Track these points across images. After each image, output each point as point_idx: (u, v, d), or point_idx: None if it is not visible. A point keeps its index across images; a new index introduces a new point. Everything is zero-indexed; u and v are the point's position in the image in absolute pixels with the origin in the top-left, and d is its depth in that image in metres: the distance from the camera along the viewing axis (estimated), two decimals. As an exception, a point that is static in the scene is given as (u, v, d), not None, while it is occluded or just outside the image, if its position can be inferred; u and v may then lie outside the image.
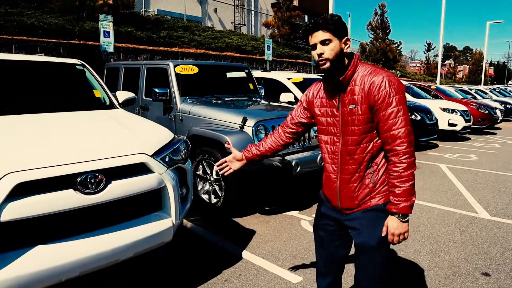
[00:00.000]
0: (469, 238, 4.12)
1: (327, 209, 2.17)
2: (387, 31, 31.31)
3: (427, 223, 4.53)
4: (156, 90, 5.05)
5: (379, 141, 1.92)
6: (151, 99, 5.38)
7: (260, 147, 2.35)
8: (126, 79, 6.27)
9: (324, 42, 1.85)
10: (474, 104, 13.46)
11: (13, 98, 3.54)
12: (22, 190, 2.15)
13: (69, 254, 2.26)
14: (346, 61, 1.92)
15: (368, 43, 31.73)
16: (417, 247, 3.85)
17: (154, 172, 2.71)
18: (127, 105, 4.18)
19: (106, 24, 8.37)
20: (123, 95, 4.20)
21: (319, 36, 1.86)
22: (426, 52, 43.27)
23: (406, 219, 1.88)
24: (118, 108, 3.99)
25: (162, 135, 3.15)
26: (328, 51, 1.85)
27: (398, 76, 27.91)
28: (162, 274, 3.23)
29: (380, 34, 31.00)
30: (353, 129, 1.92)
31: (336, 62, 1.87)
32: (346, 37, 1.89)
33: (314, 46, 1.89)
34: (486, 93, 20.37)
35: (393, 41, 31.77)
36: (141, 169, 2.67)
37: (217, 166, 2.45)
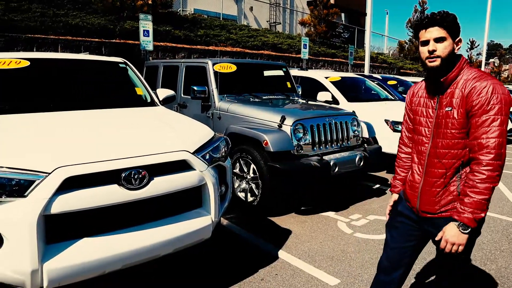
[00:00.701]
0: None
1: (404, 209, 2.15)
2: (427, 28, 30.28)
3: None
4: (195, 88, 5.11)
5: None
6: (189, 97, 5.45)
7: (400, 176, 2.28)
8: (165, 77, 6.38)
9: (438, 40, 1.81)
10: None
11: (61, 95, 3.68)
12: (70, 184, 2.22)
13: (113, 247, 2.32)
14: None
15: (407, 41, 30.83)
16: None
17: (195, 169, 2.74)
18: (167, 102, 4.25)
19: (146, 23, 8.56)
20: (163, 92, 4.27)
21: (433, 32, 1.81)
22: (468, 50, 41.53)
23: (467, 231, 1.79)
24: (159, 105, 4.06)
25: (203, 132, 3.18)
26: (441, 49, 1.81)
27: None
28: (199, 271, 3.26)
29: (420, 32, 30.02)
30: (446, 132, 1.88)
31: (446, 61, 1.83)
32: (459, 38, 1.85)
33: (426, 42, 1.84)
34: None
35: (434, 39, 30.68)
36: (182, 166, 2.70)
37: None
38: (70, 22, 9.98)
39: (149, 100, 4.12)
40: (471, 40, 41.21)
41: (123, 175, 2.38)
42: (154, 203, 2.56)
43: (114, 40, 10.44)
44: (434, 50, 1.81)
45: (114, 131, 2.91)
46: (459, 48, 1.86)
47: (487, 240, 4.03)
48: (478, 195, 1.76)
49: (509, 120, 7.61)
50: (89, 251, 2.25)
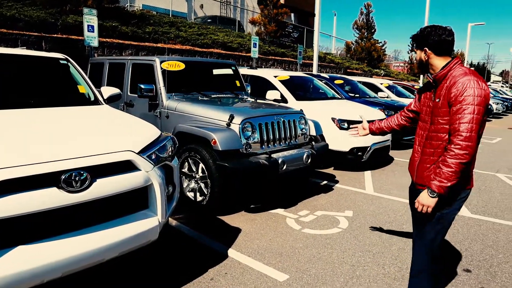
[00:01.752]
0: (451, 235, 4.19)
1: (412, 184, 2.63)
2: (372, 30, 31.55)
3: (410, 220, 4.57)
4: (142, 86, 4.98)
5: None
6: (136, 95, 5.31)
7: (381, 124, 2.95)
8: (111, 74, 6.17)
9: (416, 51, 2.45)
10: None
11: (-6, 93, 3.44)
12: (4, 188, 2.09)
13: (51, 254, 2.21)
14: (443, 64, 2.31)
15: (353, 42, 31.95)
16: (401, 245, 3.90)
17: (140, 170, 2.68)
18: (112, 101, 4.10)
19: (90, 18, 8.21)
20: (108, 91, 4.12)
21: None
22: (409, 52, 43.74)
23: (434, 195, 2.21)
24: (103, 104, 3.92)
25: (148, 132, 3.11)
26: (416, 58, 2.46)
27: (382, 75, 28.22)
28: (147, 273, 3.19)
29: (365, 34, 31.22)
30: (435, 119, 2.30)
31: (419, 66, 2.43)
32: (424, 48, 2.35)
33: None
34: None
35: (378, 40, 32.02)
36: (127, 166, 2.63)
37: (351, 129, 3.14)
38: (5, 13, 9.35)
39: (92, 98, 3.96)
40: (412, 43, 43.29)
41: (63, 177, 2.28)
42: (97, 206, 2.46)
43: (55, 35, 9.93)
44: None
45: (53, 131, 2.77)
46: (426, 56, 2.36)
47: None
48: (447, 168, 2.14)
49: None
50: (24, 260, 2.12)
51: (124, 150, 2.63)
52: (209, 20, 20.15)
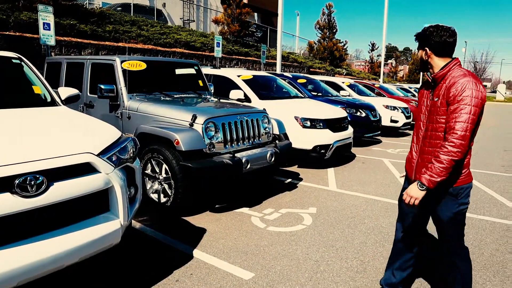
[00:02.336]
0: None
1: (407, 184, 2.63)
2: (334, 30, 32.23)
3: (372, 215, 4.75)
4: (102, 86, 4.86)
5: None
6: (96, 96, 5.17)
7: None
8: (69, 75, 5.97)
9: (418, 49, 2.49)
10: (413, 101, 14.24)
11: None
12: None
13: (5, 263, 2.11)
14: (443, 64, 2.36)
15: (316, 42, 32.49)
16: (363, 239, 4.02)
17: (100, 172, 2.62)
18: (70, 102, 3.98)
19: (46, 16, 7.90)
20: (66, 91, 3.99)
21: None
22: (370, 51, 45.09)
23: (423, 188, 2.30)
24: (60, 105, 3.79)
25: (108, 133, 3.04)
26: (418, 56, 2.52)
27: (344, 74, 28.87)
28: (111, 277, 3.12)
29: (327, 33, 31.84)
30: (433, 118, 2.37)
31: (421, 64, 2.49)
32: (425, 48, 2.41)
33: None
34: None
35: (340, 40, 32.76)
36: (86, 169, 2.56)
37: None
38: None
39: (49, 99, 3.82)
40: (372, 42, 44.69)
41: (17, 181, 2.19)
42: (54, 211, 2.38)
43: (7, 32, 9.48)
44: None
45: (5, 133, 2.65)
46: (427, 57, 2.41)
47: (385, 224, 4.43)
48: (439, 163, 2.23)
49: (403, 114, 8.33)
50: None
51: (83, 152, 2.56)
52: (119, 8, 17.80)
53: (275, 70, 15.42)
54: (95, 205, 2.66)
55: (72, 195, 2.41)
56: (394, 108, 12.04)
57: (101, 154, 2.68)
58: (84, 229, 2.50)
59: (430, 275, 3.29)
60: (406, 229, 2.74)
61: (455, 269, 2.57)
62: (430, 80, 2.44)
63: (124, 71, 5.16)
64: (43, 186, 2.27)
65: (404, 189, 2.67)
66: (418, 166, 2.47)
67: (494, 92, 55.13)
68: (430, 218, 2.65)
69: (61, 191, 2.35)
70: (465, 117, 2.16)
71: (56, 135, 2.78)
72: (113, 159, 2.78)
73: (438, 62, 2.38)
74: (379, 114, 10.28)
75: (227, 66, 16.24)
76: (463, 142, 2.18)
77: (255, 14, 27.40)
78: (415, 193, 2.34)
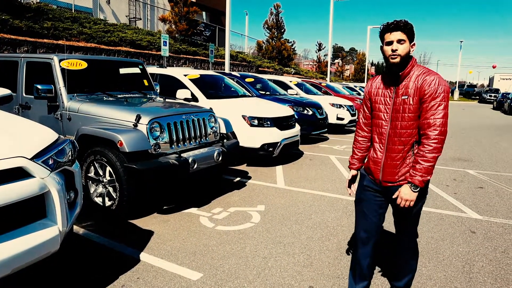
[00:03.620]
0: (354, 221, 4.54)
1: (369, 182, 2.60)
2: (282, 30, 32.74)
3: (318, 210, 4.88)
4: (39, 86, 4.60)
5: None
6: (32, 97, 4.89)
7: (358, 154, 2.74)
8: (1, 73, 5.60)
9: (400, 41, 2.27)
10: (358, 99, 14.81)
11: None
12: None
13: None
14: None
15: (264, 41, 32.83)
16: (309, 234, 4.13)
17: (34, 177, 2.48)
18: (1, 103, 3.73)
19: (-25, 11, 7.36)
20: (-4, 92, 3.74)
21: (397, 35, 2.28)
22: (317, 51, 46.29)
23: (416, 190, 2.31)
24: (-10, 106, 3.55)
25: (43, 135, 2.89)
26: (402, 49, 2.28)
27: (292, 73, 29.42)
28: (51, 286, 2.98)
29: (275, 33, 32.28)
30: (403, 116, 2.35)
31: (404, 59, 2.30)
32: (413, 42, 2.33)
33: (390, 43, 2.30)
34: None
35: (288, 40, 33.36)
36: (19, 174, 2.42)
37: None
38: None
39: (-23, 100, 3.57)
40: (319, 42, 45.87)
41: None
42: (-17, 219, 2.24)
43: None
44: (396, 49, 2.28)
45: None
46: (413, 50, 2.33)
47: (331, 219, 4.58)
48: (426, 162, 2.25)
49: (349, 112, 8.63)
50: None
51: (14, 156, 2.42)
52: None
53: (224, 70, 15.40)
54: (30, 212, 2.52)
55: (2, 202, 2.26)
56: (340, 106, 12.45)
57: (35, 158, 2.54)
58: (17, 238, 2.35)
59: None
60: (368, 229, 2.63)
61: (408, 264, 2.70)
62: (392, 77, 2.39)
63: (63, 70, 4.92)
64: (-31, 194, 2.12)
65: (364, 187, 2.61)
66: (386, 166, 2.45)
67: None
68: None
69: (-10, 198, 2.20)
70: (442, 113, 2.22)
71: (-15, 139, 2.60)
72: (49, 163, 2.65)
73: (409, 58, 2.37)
74: (325, 112, 10.59)
75: (175, 65, 15.99)
76: (443, 138, 2.24)
77: (204, 13, 27.18)
78: (410, 195, 2.32)
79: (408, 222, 2.59)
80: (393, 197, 2.43)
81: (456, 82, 55.22)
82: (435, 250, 3.82)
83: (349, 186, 2.84)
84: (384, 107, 2.44)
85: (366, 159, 2.68)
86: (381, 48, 2.39)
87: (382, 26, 2.37)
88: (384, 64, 2.44)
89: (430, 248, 3.86)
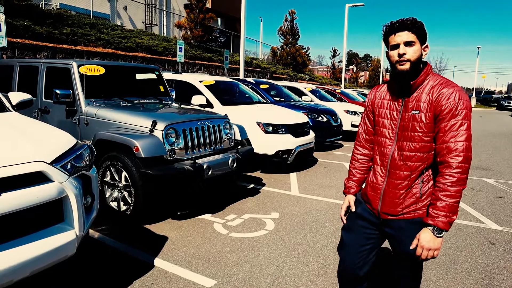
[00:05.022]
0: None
1: (363, 211, 2.14)
2: (297, 36, 32.76)
3: (333, 218, 4.84)
4: (58, 91, 4.69)
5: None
6: (52, 101, 4.98)
7: (357, 176, 2.27)
8: (22, 79, 5.72)
9: (408, 43, 1.82)
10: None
11: None
12: None
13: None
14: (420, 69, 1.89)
15: (279, 47, 32.90)
16: (324, 242, 4.09)
17: (53, 181, 2.52)
18: (22, 108, 3.81)
19: (-3, 17, 7.55)
20: (17, 96, 3.82)
21: (403, 36, 1.82)
22: (332, 57, 46.20)
23: (441, 235, 1.81)
24: (11, 111, 3.62)
25: (62, 140, 2.93)
26: (411, 53, 1.82)
27: (307, 79, 29.39)
28: (65, 290, 3.01)
29: (290, 39, 32.32)
30: (412, 135, 1.89)
31: (415, 65, 1.84)
32: (426, 44, 1.89)
33: (396, 46, 1.85)
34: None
35: (302, 46, 33.35)
36: (38, 178, 2.46)
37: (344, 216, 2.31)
38: None
39: (-2, 105, 3.64)
40: (333, 48, 45.80)
41: (-39, 193, 2.07)
42: (3, 223, 2.27)
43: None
44: (404, 54, 1.82)
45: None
46: (426, 54, 1.88)
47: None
48: (450, 198, 1.77)
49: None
50: None
51: (34, 161, 2.46)
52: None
53: (239, 76, 15.46)
54: (48, 216, 2.55)
55: (22, 206, 2.30)
56: (355, 113, 12.37)
57: (54, 163, 2.58)
58: (35, 241, 2.39)
59: None
60: (348, 270, 2.20)
61: None
62: (401, 87, 1.95)
63: (81, 75, 5.01)
64: (-11, 197, 2.16)
65: (358, 216, 2.16)
66: (387, 195, 1.99)
67: (448, 97, 57.57)
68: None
69: (10, 202, 2.24)
70: (466, 134, 1.78)
71: (5, 143, 2.65)
72: (68, 167, 2.68)
73: (420, 65, 1.91)
74: (340, 119, 10.52)
75: (190, 71, 16.12)
76: (468, 166, 1.78)
77: (219, 19, 27.38)
78: (433, 243, 1.81)
79: (412, 265, 2.06)
80: (411, 247, 1.88)
81: (473, 88, 54.40)
82: (453, 261, 3.74)
83: (345, 215, 2.30)
84: (389, 123, 1.98)
85: (364, 184, 2.22)
86: (387, 54, 1.94)
87: (384, 27, 1.92)
88: (391, 73, 1.99)
89: (447, 259, 3.78)
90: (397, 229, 1.99)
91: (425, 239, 1.82)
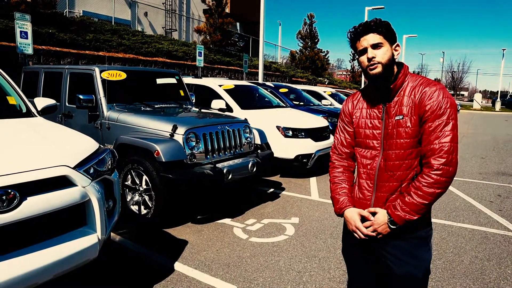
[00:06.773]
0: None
1: (352, 235, 1.90)
2: (316, 40, 32.62)
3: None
4: (81, 96, 4.77)
5: None
6: (75, 106, 5.08)
7: (347, 185, 1.98)
8: (47, 84, 5.86)
9: (375, 46, 1.73)
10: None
11: None
12: None
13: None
14: (396, 70, 1.79)
15: (298, 51, 32.81)
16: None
17: (77, 185, 2.55)
18: (47, 112, 3.88)
19: (23, 24, 7.76)
20: (42, 102, 3.89)
21: (369, 39, 1.73)
22: (351, 61, 45.73)
23: (393, 227, 1.74)
24: (36, 116, 3.69)
25: (85, 145, 2.97)
26: (381, 55, 1.72)
27: (326, 83, 29.19)
28: (87, 293, 3.04)
29: (309, 43, 32.20)
30: (399, 143, 1.76)
31: (388, 67, 1.74)
32: (396, 43, 1.78)
33: (364, 51, 1.75)
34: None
35: (321, 50, 33.16)
36: (62, 182, 2.49)
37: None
38: None
39: (24, 110, 3.72)
40: (352, 52, 45.29)
41: (-13, 196, 2.11)
42: (28, 226, 2.30)
43: (-17, 42, 9.26)
44: (374, 57, 1.72)
45: (-23, 146, 2.56)
46: (398, 54, 1.78)
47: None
48: (420, 198, 1.68)
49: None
50: None
51: (59, 165, 2.49)
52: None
53: (257, 80, 15.48)
54: (71, 220, 2.58)
55: (46, 209, 2.33)
56: (375, 117, 12.19)
57: (77, 167, 2.61)
58: (59, 244, 2.42)
59: None
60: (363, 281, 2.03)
61: None
62: (379, 92, 1.83)
63: (103, 81, 5.09)
64: (15, 201, 2.19)
65: (351, 235, 1.91)
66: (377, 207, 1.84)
67: (471, 101, 56.54)
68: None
69: (34, 206, 2.27)
70: (451, 135, 1.67)
71: (31, 148, 2.70)
72: (90, 172, 2.71)
73: (394, 67, 1.80)
74: (360, 123, 10.35)
75: (209, 75, 16.22)
76: (451, 169, 1.67)
77: (238, 23, 27.53)
78: (382, 227, 1.75)
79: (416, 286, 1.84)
80: (365, 224, 1.80)
81: (497, 92, 53.06)
82: (480, 271, 3.61)
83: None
84: (372, 133, 1.83)
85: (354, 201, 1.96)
86: (358, 61, 1.82)
87: (349, 33, 1.81)
88: (366, 79, 1.84)
89: (474, 268, 3.66)
90: (391, 247, 1.82)
91: (378, 221, 1.76)
